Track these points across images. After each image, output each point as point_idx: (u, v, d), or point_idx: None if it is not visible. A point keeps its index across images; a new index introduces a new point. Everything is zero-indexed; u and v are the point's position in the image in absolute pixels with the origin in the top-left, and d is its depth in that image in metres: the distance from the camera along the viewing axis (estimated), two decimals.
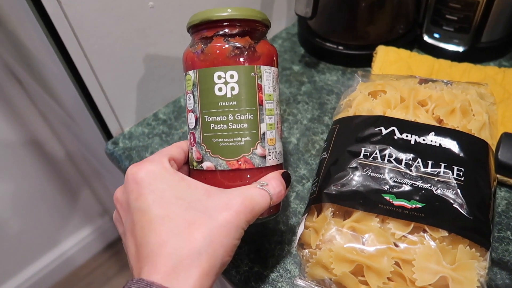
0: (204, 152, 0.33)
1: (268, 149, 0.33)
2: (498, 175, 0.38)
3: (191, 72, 0.33)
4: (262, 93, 0.33)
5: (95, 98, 0.49)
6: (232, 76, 0.31)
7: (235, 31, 0.32)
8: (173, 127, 0.54)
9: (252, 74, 0.32)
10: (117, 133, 0.54)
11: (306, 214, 0.35)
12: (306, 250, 0.33)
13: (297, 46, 0.64)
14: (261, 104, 0.32)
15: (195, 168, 0.34)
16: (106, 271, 1.36)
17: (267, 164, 0.33)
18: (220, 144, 0.32)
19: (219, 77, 0.32)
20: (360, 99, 0.41)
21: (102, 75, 0.48)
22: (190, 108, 0.34)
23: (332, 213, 0.33)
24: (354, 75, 0.57)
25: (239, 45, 0.32)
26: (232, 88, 0.32)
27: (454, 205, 0.32)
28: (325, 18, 0.59)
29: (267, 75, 0.33)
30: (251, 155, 0.32)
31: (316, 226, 0.33)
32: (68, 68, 0.46)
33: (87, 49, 0.45)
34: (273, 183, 0.31)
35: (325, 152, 0.38)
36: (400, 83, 0.41)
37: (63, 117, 0.77)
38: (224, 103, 0.32)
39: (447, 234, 0.31)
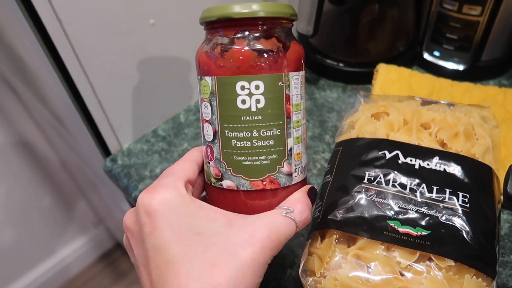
0: (224, 170, 0.29)
1: (295, 165, 0.30)
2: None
3: (208, 79, 0.29)
4: (290, 104, 0.29)
5: (94, 114, 0.49)
6: (257, 87, 0.28)
7: (260, 32, 0.28)
8: (173, 144, 0.53)
9: (280, 83, 0.28)
10: (115, 149, 0.53)
11: (310, 240, 0.35)
12: (311, 279, 0.32)
13: None
14: (288, 117, 0.29)
15: (213, 184, 0.31)
16: (101, 281, 1.35)
17: (293, 182, 0.30)
18: (243, 163, 0.29)
19: (243, 88, 0.28)
20: (363, 121, 0.40)
21: (101, 92, 0.48)
22: (207, 119, 0.30)
23: (336, 240, 0.33)
24: (354, 92, 0.57)
25: (266, 49, 0.28)
26: (258, 101, 0.28)
27: (459, 233, 0.31)
28: (326, 34, 0.59)
29: (296, 82, 0.29)
30: (277, 174, 0.29)
31: (320, 253, 0.33)
32: (66, 85, 0.45)
33: (87, 67, 0.45)
34: (299, 208, 0.29)
35: (329, 176, 0.38)
36: (402, 104, 0.41)
37: (60, 129, 0.77)
38: (248, 118, 0.28)
39: (453, 263, 0.30)
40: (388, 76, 0.52)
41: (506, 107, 0.48)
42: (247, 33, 0.28)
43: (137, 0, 0.44)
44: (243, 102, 0.28)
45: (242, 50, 0.28)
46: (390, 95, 0.44)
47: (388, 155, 0.36)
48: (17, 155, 1.01)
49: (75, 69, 0.44)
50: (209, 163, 0.31)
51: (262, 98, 0.28)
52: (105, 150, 0.53)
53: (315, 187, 0.32)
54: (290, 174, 0.30)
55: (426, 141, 0.37)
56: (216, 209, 0.28)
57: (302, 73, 0.30)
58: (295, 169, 0.30)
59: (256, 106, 0.28)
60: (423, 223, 0.32)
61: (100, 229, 1.36)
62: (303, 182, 0.32)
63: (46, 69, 0.46)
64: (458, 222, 0.32)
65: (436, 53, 0.57)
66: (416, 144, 0.37)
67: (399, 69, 0.53)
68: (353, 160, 0.37)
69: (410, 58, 0.59)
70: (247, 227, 0.26)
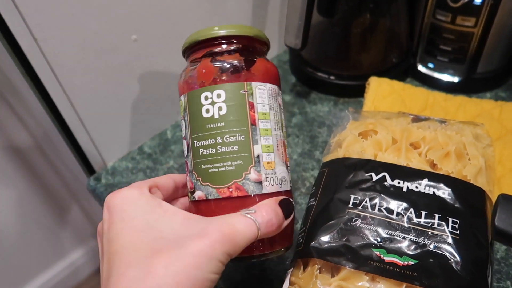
0: (195, 181, 0.30)
1: (265, 174, 0.29)
2: None
3: (182, 97, 0.32)
4: (254, 112, 0.30)
5: (75, 133, 0.47)
6: (219, 96, 0.29)
7: (223, 49, 0.31)
8: (158, 162, 0.52)
9: (241, 91, 0.29)
10: (100, 167, 0.52)
11: (292, 268, 0.33)
12: None
13: (289, 74, 0.62)
14: (253, 124, 0.29)
15: (190, 199, 0.31)
16: None
17: (264, 191, 0.29)
18: (210, 171, 0.29)
19: (206, 98, 0.29)
20: (350, 139, 0.39)
21: (82, 110, 0.46)
22: (183, 135, 0.32)
23: (318, 270, 0.31)
24: (346, 106, 0.56)
25: (227, 62, 0.30)
26: (220, 108, 0.29)
27: (448, 263, 0.29)
28: (316, 47, 0.57)
29: (261, 93, 0.30)
30: (244, 180, 0.29)
31: (301, 284, 0.31)
32: (45, 103, 0.44)
33: (66, 85, 0.43)
34: (262, 211, 0.27)
35: (313, 199, 0.36)
36: (392, 122, 0.40)
37: (50, 144, 0.76)
38: (211, 125, 0.29)
39: None
40: (380, 90, 0.51)
41: (502, 122, 0.46)
42: (212, 51, 0.31)
43: (117, 16, 0.43)
44: (207, 111, 0.29)
45: (206, 65, 0.30)
46: (379, 112, 0.43)
47: (374, 177, 0.35)
48: (13, 166, 1.00)
49: (54, 88, 0.43)
50: (187, 178, 0.32)
51: (223, 106, 0.29)
52: (89, 168, 0.52)
53: (291, 200, 0.30)
54: (259, 182, 0.29)
55: (415, 162, 0.36)
56: (175, 209, 0.27)
57: (270, 85, 0.31)
58: (266, 178, 0.29)
59: (219, 113, 0.29)
60: (410, 251, 0.30)
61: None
62: (282, 194, 0.31)
63: (26, 86, 0.44)
64: (448, 250, 0.30)
65: (430, 65, 0.55)
66: (405, 164, 0.35)
67: (391, 83, 0.51)
68: (338, 182, 0.35)
69: (403, 70, 0.57)
70: (202, 224, 0.25)
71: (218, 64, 0.30)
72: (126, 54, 0.46)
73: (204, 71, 0.30)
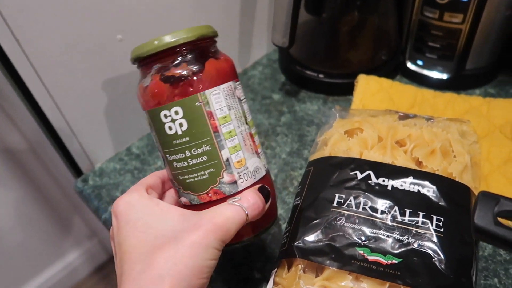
0: (178, 189, 0.32)
1: (238, 173, 0.31)
2: None
3: (145, 113, 0.32)
4: (214, 119, 0.30)
5: (62, 135, 0.47)
6: (177, 113, 0.29)
7: (168, 62, 0.29)
8: (146, 163, 0.51)
9: (197, 103, 0.29)
10: (87, 169, 0.51)
11: (276, 269, 0.33)
12: None
13: (278, 73, 0.62)
14: (216, 131, 0.30)
15: (178, 201, 0.33)
16: None
17: (239, 188, 0.31)
18: (187, 181, 0.31)
19: (166, 116, 0.30)
20: (336, 138, 0.39)
21: (68, 112, 0.46)
22: (157, 147, 0.33)
23: (302, 270, 0.31)
24: (335, 105, 0.55)
25: (176, 77, 0.29)
26: (181, 125, 0.30)
27: (432, 261, 0.29)
28: (305, 45, 0.57)
29: (217, 97, 0.30)
30: (219, 185, 0.31)
31: (285, 284, 0.31)
32: (30, 106, 0.44)
33: (50, 87, 0.43)
34: (246, 196, 0.30)
35: (298, 198, 0.36)
36: (378, 120, 0.39)
37: (42, 146, 0.75)
38: (177, 141, 0.30)
39: None
40: (368, 88, 0.50)
41: (490, 118, 0.45)
42: (158, 66, 0.30)
43: (102, 16, 0.43)
44: (170, 128, 0.30)
45: (156, 83, 0.29)
46: (366, 110, 0.43)
47: (359, 176, 0.35)
48: (8, 169, 1.00)
49: (38, 90, 0.42)
50: (171, 183, 0.34)
51: (183, 121, 0.30)
52: (77, 170, 0.52)
53: (265, 186, 0.32)
54: (234, 182, 0.31)
55: (401, 160, 0.35)
56: (170, 206, 0.29)
57: (225, 85, 0.31)
58: (239, 176, 0.31)
59: (181, 130, 0.30)
60: (394, 250, 0.30)
61: (94, 241, 1.34)
62: (258, 183, 0.32)
63: (9, 88, 0.44)
64: (432, 248, 0.30)
65: (419, 62, 0.55)
66: (390, 162, 0.35)
67: (379, 80, 0.51)
68: (323, 181, 0.35)
69: (393, 68, 0.57)
70: (195, 217, 0.28)
71: (168, 80, 0.29)
72: (112, 54, 0.46)
73: (156, 90, 0.29)
